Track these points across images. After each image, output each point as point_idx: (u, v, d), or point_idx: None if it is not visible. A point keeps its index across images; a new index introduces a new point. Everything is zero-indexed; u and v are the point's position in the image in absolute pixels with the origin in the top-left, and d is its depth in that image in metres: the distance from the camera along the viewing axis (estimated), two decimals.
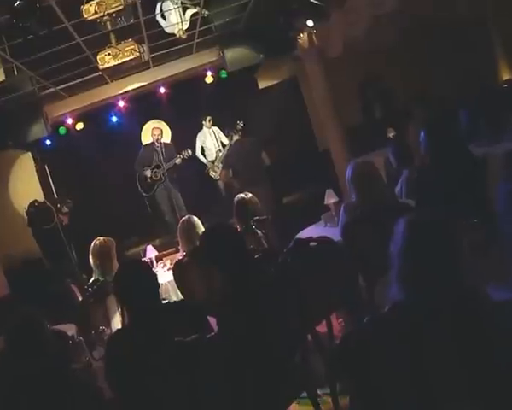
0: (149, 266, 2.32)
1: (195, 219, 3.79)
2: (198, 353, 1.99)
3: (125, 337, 2.15)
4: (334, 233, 3.50)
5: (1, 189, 7.12)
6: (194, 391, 1.93)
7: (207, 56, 6.80)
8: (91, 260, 3.63)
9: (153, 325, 2.12)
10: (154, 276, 2.34)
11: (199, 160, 7.60)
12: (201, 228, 3.72)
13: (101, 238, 3.73)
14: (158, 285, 2.32)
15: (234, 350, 2.11)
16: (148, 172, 7.12)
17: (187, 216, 3.85)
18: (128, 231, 7.31)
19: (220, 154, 7.49)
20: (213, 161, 7.54)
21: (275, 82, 7.84)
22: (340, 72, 6.71)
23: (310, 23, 5.40)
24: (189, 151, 7.05)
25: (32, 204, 6.27)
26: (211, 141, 7.55)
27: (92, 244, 3.69)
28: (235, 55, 6.28)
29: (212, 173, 7.53)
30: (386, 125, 6.23)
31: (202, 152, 7.63)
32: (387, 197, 3.29)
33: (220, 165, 7.47)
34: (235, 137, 6.25)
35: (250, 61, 6.31)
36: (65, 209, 6.34)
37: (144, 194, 7.21)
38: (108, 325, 3.14)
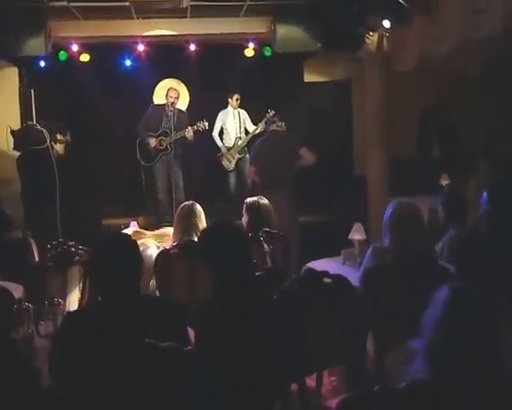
0: (138, 246, 2.31)
1: (199, 208, 3.82)
2: (171, 365, 1.97)
3: (89, 320, 2.14)
4: (351, 275, 3.49)
5: None
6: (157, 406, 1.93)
7: (255, 25, 6.83)
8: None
9: (127, 316, 2.11)
10: (142, 259, 2.34)
11: (213, 141, 7.60)
12: (203, 221, 3.75)
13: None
14: (142, 271, 2.31)
15: (211, 373, 2.10)
16: (153, 141, 7.07)
17: (190, 202, 3.89)
18: (112, 197, 7.32)
19: (239, 142, 7.50)
20: (229, 149, 7.54)
21: (324, 79, 7.88)
22: (404, 91, 6.72)
23: (386, 24, 5.41)
24: (205, 124, 7.02)
25: (20, 128, 6.22)
26: (233, 124, 7.55)
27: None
28: (289, 34, 6.30)
29: (224, 162, 7.53)
30: (441, 168, 6.23)
31: (220, 134, 7.63)
32: (427, 251, 3.28)
33: (237, 155, 7.47)
34: (273, 127, 6.02)
35: (303, 47, 6.34)
36: (60, 137, 6.28)
37: (144, 163, 7.16)
38: (64, 298, 3.13)
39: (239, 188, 7.47)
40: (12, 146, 6.16)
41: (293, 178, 5.92)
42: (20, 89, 7.38)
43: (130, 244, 2.30)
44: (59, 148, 6.35)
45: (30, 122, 6.51)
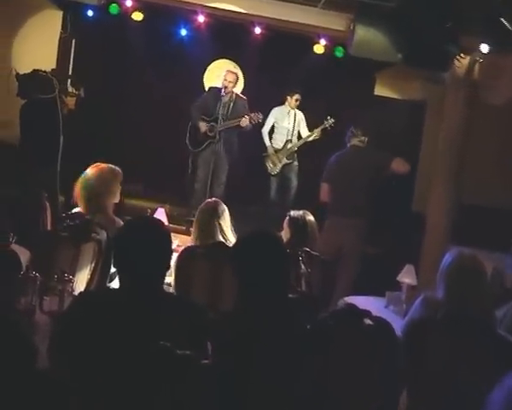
0: (171, 236, 2.33)
1: (223, 207, 3.94)
2: (186, 375, 1.98)
3: (104, 306, 2.16)
4: (394, 322, 3.45)
5: (2, 45, 7.24)
6: None
7: (332, 21, 6.81)
8: (80, 190, 3.80)
9: (145, 311, 2.13)
10: (171, 252, 2.35)
11: (261, 138, 7.64)
12: (228, 221, 3.88)
13: (105, 165, 3.90)
14: (169, 265, 2.33)
15: (226, 390, 2.12)
16: (204, 126, 7.13)
17: (213, 199, 4.06)
18: (137, 174, 7.39)
19: (289, 145, 7.52)
20: (277, 151, 7.58)
21: (396, 96, 7.88)
22: (490, 127, 6.62)
23: (484, 48, 5.34)
24: (260, 116, 7.07)
25: (26, 73, 6.27)
26: (286, 124, 7.59)
27: (89, 170, 3.87)
28: (368, 37, 6.25)
29: (269, 164, 7.57)
30: None
31: (270, 133, 7.67)
32: (486, 314, 3.24)
33: (284, 159, 7.49)
34: (354, 141, 5.84)
35: (382, 55, 6.28)
36: (71, 89, 6.31)
37: (191, 148, 7.24)
38: (73, 276, 3.17)
39: (280, 196, 7.51)
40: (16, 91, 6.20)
41: (370, 202, 5.74)
42: (60, 35, 7.50)
43: (165, 232, 2.32)
44: (69, 101, 6.35)
45: (39, 68, 6.52)
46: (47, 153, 5.82)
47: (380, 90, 7.90)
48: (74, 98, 6.45)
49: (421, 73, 7.03)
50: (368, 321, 3.13)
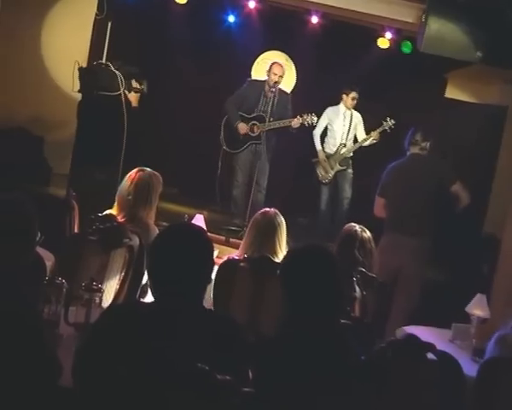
0: (213, 246, 2.35)
1: (283, 221, 3.92)
2: (226, 404, 1.99)
3: (138, 321, 2.19)
4: (460, 359, 3.42)
5: (32, 27, 7.39)
6: None
7: (400, 11, 6.77)
8: (122, 193, 3.97)
9: (183, 330, 2.15)
10: (213, 264, 2.38)
11: (311, 141, 7.62)
12: (284, 239, 3.87)
13: (148, 170, 4.09)
14: (210, 279, 2.36)
15: None
16: (244, 127, 7.12)
17: (272, 210, 3.98)
18: (173, 176, 7.46)
19: (343, 150, 7.51)
20: (330, 156, 7.57)
21: (471, 100, 7.78)
22: None
23: None
24: (314, 119, 7.09)
25: (89, 67, 6.37)
26: (341, 127, 7.57)
27: (132, 173, 4.04)
28: (443, 32, 6.17)
29: (320, 171, 7.56)
30: None
31: (323, 135, 7.65)
32: None
33: (337, 166, 7.47)
34: (414, 149, 5.66)
35: (458, 53, 6.18)
36: (135, 85, 6.35)
37: (227, 148, 7.26)
38: (101, 284, 3.21)
39: (332, 206, 7.51)
40: (77, 87, 6.23)
41: (432, 220, 5.58)
42: (95, 18, 7.62)
43: (207, 242, 2.35)
44: (133, 98, 6.42)
45: (101, 61, 6.59)
46: (109, 153, 5.92)
47: (452, 93, 7.80)
48: (138, 94, 6.55)
49: (502, 75, 6.93)
50: (431, 355, 3.12)
